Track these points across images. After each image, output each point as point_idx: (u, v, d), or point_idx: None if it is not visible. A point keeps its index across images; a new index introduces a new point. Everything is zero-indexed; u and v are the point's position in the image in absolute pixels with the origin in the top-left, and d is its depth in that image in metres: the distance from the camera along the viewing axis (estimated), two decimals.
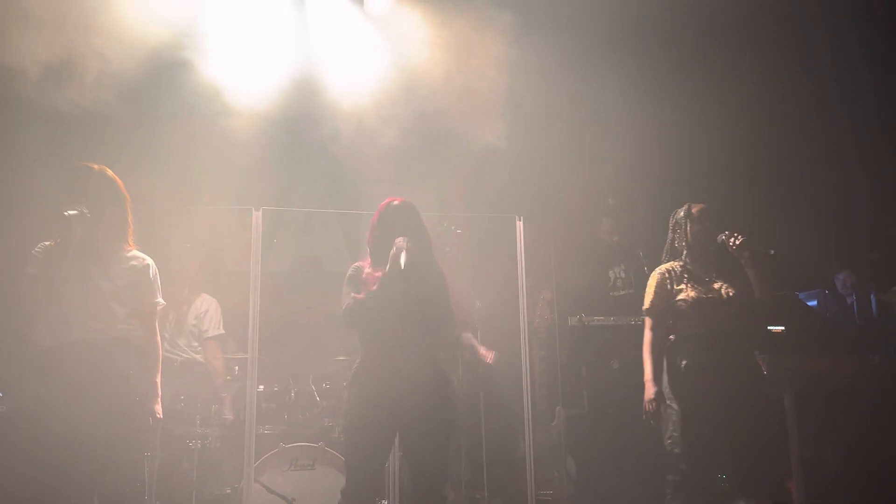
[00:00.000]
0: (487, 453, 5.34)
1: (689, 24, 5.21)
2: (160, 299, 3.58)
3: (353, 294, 3.52)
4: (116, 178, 3.52)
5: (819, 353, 4.95)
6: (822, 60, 5.54)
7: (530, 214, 5.15)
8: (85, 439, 3.23)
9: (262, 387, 5.17)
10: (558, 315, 5.50)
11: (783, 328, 5.13)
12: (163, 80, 5.16)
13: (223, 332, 5.36)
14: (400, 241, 3.43)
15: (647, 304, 4.10)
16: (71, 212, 3.25)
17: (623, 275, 6.07)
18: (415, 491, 3.51)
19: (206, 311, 5.33)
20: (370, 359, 3.55)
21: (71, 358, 3.28)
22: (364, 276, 3.58)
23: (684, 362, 3.96)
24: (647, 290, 4.14)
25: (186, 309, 5.30)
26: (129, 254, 3.52)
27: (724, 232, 3.97)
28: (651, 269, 4.28)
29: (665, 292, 4.05)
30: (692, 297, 3.98)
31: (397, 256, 3.38)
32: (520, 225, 5.04)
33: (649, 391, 3.95)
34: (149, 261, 3.56)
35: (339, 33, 5.40)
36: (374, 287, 3.47)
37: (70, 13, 4.48)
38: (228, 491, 4.97)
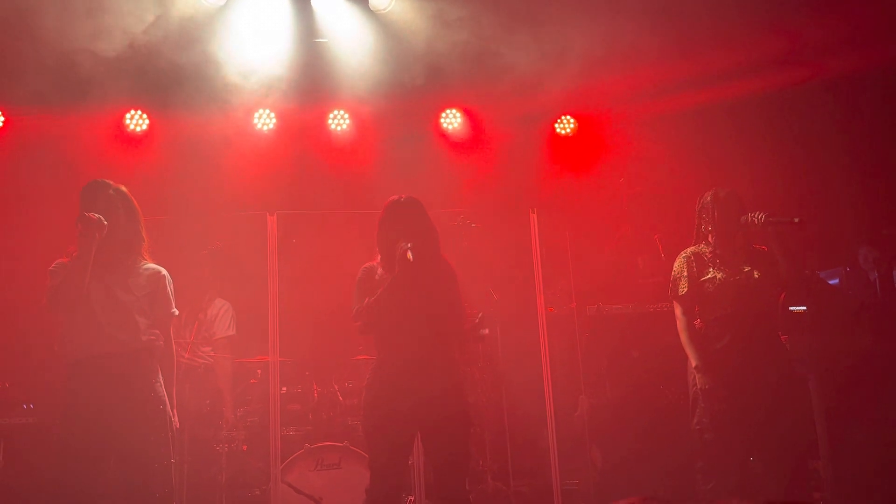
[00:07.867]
0: (512, 445, 5.35)
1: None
2: (175, 309, 3.64)
3: (366, 300, 3.54)
4: (132, 196, 3.57)
5: (843, 332, 4.87)
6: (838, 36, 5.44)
7: (544, 207, 5.15)
8: (114, 448, 3.32)
9: (285, 388, 5.21)
10: (577, 304, 5.48)
11: (805, 308, 5.06)
12: (175, 87, 5.20)
13: (233, 333, 5.35)
14: (402, 244, 3.43)
15: (682, 289, 4.07)
16: (92, 214, 3.31)
17: (649, 261, 6.02)
18: (438, 486, 3.54)
19: (217, 314, 5.37)
20: (385, 360, 3.58)
21: (100, 369, 3.35)
22: (378, 278, 3.60)
23: (716, 345, 3.95)
24: (677, 274, 4.13)
25: (203, 315, 5.35)
26: (144, 266, 3.58)
27: (746, 214, 3.97)
28: (669, 255, 4.26)
29: (693, 276, 4.06)
30: (720, 279, 3.99)
31: (403, 256, 3.39)
32: (533, 217, 5.04)
33: (705, 377, 3.92)
34: (164, 272, 3.62)
35: (347, 34, 5.40)
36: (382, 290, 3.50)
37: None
38: (257, 492, 5.03)
